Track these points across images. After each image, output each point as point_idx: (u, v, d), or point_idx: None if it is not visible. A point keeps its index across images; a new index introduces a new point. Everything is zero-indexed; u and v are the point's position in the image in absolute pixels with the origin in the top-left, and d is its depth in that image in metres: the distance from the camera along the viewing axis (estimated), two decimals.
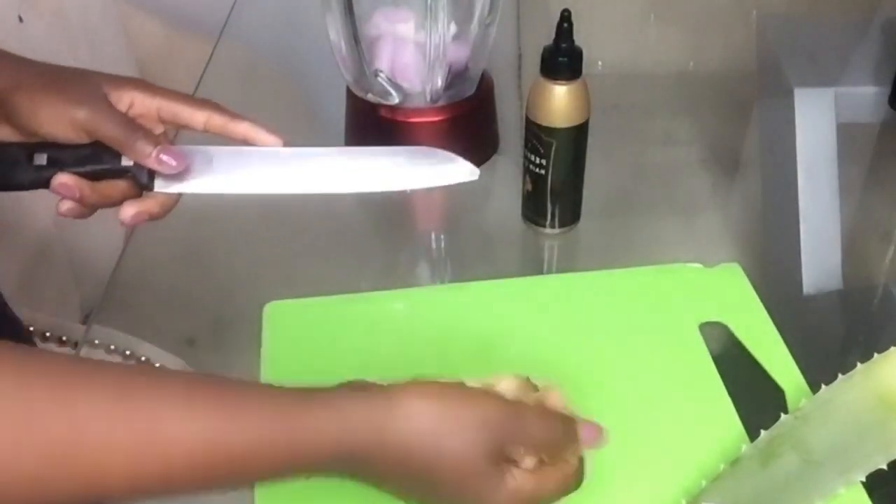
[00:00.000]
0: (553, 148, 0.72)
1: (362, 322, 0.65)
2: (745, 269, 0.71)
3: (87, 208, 0.57)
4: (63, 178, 0.55)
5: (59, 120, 0.55)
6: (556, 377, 0.60)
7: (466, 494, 0.47)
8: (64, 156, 0.56)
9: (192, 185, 0.58)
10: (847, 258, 0.79)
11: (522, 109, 0.74)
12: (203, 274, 0.77)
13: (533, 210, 0.77)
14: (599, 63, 1.02)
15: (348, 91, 0.85)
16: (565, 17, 0.69)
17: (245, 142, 0.60)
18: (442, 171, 0.63)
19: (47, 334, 0.91)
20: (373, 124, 0.83)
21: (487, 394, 0.49)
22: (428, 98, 0.81)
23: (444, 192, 0.85)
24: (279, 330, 0.65)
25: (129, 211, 0.57)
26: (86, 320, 0.95)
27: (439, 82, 0.80)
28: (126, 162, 0.57)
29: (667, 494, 0.54)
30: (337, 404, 0.45)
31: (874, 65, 1.00)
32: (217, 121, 0.60)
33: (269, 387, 0.46)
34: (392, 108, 0.82)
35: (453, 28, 0.79)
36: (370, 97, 0.82)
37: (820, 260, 0.80)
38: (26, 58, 0.58)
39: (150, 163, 0.56)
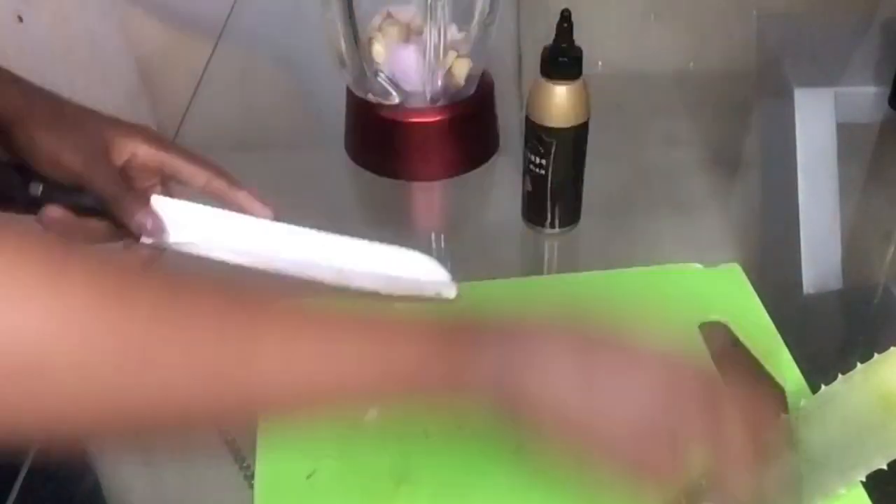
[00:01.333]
0: (553, 148, 0.72)
1: None
2: (745, 269, 0.71)
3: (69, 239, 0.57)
4: (52, 213, 0.56)
5: (54, 163, 0.56)
6: None
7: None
8: (58, 190, 0.57)
9: (177, 243, 0.59)
10: (847, 258, 0.79)
11: (522, 109, 0.74)
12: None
13: (533, 210, 0.77)
14: (599, 63, 1.02)
15: (348, 91, 0.85)
16: (565, 17, 0.69)
17: (241, 210, 0.61)
18: (422, 283, 0.63)
19: None
20: (373, 124, 0.83)
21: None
22: (428, 98, 0.81)
23: (443, 193, 0.85)
24: None
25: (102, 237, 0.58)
26: None
27: (439, 82, 0.80)
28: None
29: (667, 494, 0.54)
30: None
31: (874, 65, 1.00)
32: (216, 185, 0.60)
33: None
34: (392, 108, 0.82)
35: (453, 28, 0.79)
36: (370, 97, 0.82)
37: (820, 260, 0.79)
38: (35, 86, 0.58)
39: (131, 224, 0.57)
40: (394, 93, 0.81)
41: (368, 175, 0.85)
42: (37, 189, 0.56)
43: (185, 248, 0.59)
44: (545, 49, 0.70)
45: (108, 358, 0.35)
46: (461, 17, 0.79)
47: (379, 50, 0.81)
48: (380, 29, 0.81)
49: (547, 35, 0.70)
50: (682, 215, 0.83)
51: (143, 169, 0.59)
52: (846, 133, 0.91)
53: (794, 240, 0.80)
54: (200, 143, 0.93)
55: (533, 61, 0.72)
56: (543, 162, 0.73)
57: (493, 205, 0.87)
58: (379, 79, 0.81)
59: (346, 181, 0.88)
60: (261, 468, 0.56)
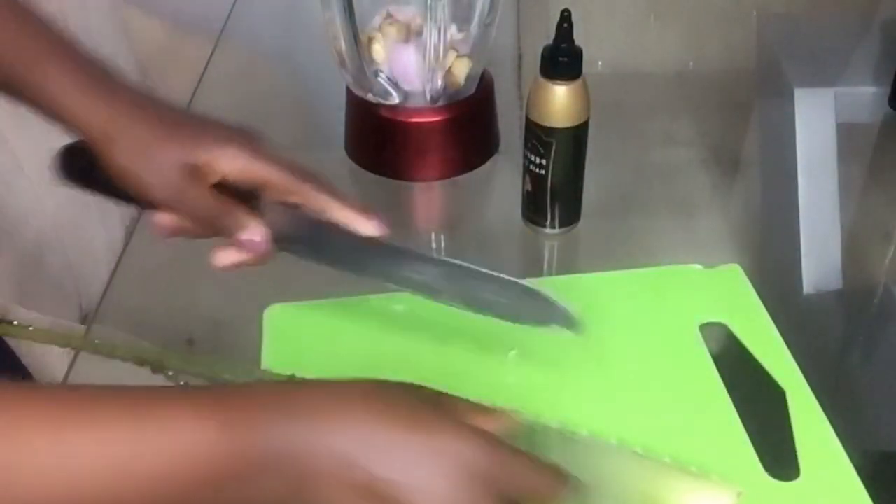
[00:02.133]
0: (553, 148, 0.72)
1: (363, 325, 0.65)
2: (745, 270, 0.71)
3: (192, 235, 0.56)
4: (161, 220, 0.55)
5: (142, 194, 0.54)
6: (556, 379, 0.60)
7: None
8: None
9: (293, 249, 0.57)
10: (847, 258, 0.79)
11: (522, 109, 0.74)
12: (203, 274, 0.77)
13: (533, 210, 0.77)
14: (599, 63, 1.02)
15: (348, 91, 0.85)
16: (565, 17, 0.69)
17: (345, 225, 0.56)
18: (542, 315, 0.58)
19: None
20: (373, 124, 0.83)
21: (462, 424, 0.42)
22: (428, 98, 0.81)
23: (443, 193, 0.85)
24: (279, 333, 0.65)
25: (224, 259, 0.56)
26: (86, 320, 0.94)
27: (439, 82, 0.80)
28: None
29: None
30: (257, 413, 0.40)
31: (874, 65, 1.00)
32: (312, 201, 0.56)
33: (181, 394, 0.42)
34: (392, 108, 0.82)
35: (453, 28, 0.79)
36: (370, 97, 0.82)
37: (820, 260, 0.79)
38: (124, 90, 0.55)
39: (235, 243, 0.55)
40: (394, 93, 0.81)
41: (368, 175, 0.85)
42: None
43: (296, 254, 0.57)
44: (545, 49, 0.70)
45: None
46: (461, 17, 0.79)
47: (379, 50, 0.81)
48: (380, 29, 0.81)
49: (547, 35, 0.70)
50: (682, 215, 0.83)
51: (241, 182, 0.55)
52: (846, 133, 0.91)
53: (794, 240, 0.80)
54: None
55: (533, 61, 0.72)
56: (543, 162, 0.73)
57: (493, 205, 0.87)
58: (379, 79, 0.81)
59: (346, 181, 0.88)
60: None
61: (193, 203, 0.54)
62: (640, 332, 0.65)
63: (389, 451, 0.40)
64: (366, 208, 0.56)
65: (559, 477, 0.43)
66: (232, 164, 0.55)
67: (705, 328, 0.65)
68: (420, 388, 0.45)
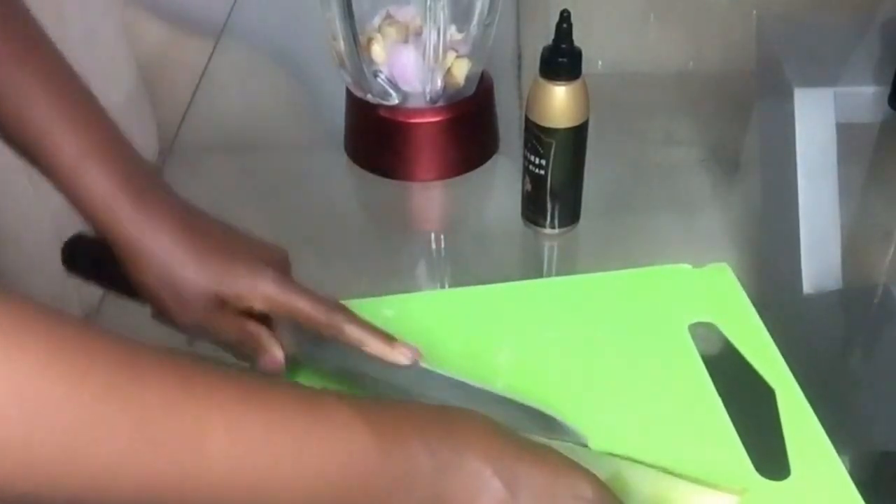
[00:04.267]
0: (553, 148, 0.72)
1: None
2: (744, 270, 0.70)
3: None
4: (275, 355, 0.55)
5: (167, 316, 0.54)
6: (545, 380, 0.60)
7: None
8: None
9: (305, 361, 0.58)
10: (847, 258, 0.79)
11: (522, 109, 0.74)
12: None
13: (533, 210, 0.77)
14: (599, 63, 1.02)
15: (348, 91, 0.85)
16: (565, 17, 0.69)
17: (380, 357, 0.56)
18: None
19: None
20: (373, 124, 0.83)
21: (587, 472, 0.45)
22: (428, 98, 0.81)
23: (443, 193, 0.85)
24: None
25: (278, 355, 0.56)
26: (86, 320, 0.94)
27: (439, 82, 0.80)
28: None
29: None
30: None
31: (874, 65, 1.00)
32: (346, 335, 0.56)
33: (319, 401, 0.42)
34: (392, 108, 0.82)
35: (453, 28, 0.79)
36: (370, 97, 0.82)
37: (820, 260, 0.79)
38: (155, 193, 0.54)
39: (257, 367, 0.55)
40: (393, 93, 0.81)
41: (368, 175, 0.85)
42: None
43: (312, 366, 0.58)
44: (545, 49, 0.70)
45: (52, 437, 0.33)
46: (461, 17, 0.79)
47: (378, 50, 0.81)
48: (379, 29, 0.81)
49: (547, 35, 0.70)
50: (682, 215, 0.83)
51: (269, 313, 0.56)
52: (846, 133, 0.91)
53: (793, 240, 0.80)
54: (200, 143, 0.93)
55: (533, 61, 0.72)
56: (543, 162, 0.73)
57: (493, 205, 0.87)
58: (378, 79, 0.81)
59: (346, 181, 0.88)
60: None
61: (217, 330, 0.55)
62: (629, 333, 0.65)
63: (518, 475, 0.43)
64: (393, 339, 0.56)
65: None
66: (262, 298, 0.55)
67: (694, 328, 0.65)
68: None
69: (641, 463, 0.54)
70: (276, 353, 0.55)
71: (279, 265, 0.57)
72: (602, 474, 0.46)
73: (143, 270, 0.53)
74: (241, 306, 0.55)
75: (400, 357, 0.56)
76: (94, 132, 0.53)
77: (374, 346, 0.56)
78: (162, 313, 0.55)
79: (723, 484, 0.53)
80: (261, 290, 0.55)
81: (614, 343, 0.64)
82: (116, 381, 0.35)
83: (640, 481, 0.52)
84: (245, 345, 0.56)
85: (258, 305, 0.55)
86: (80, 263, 0.58)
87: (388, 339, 0.56)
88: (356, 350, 0.56)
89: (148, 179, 0.54)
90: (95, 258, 0.55)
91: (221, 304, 0.54)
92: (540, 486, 0.43)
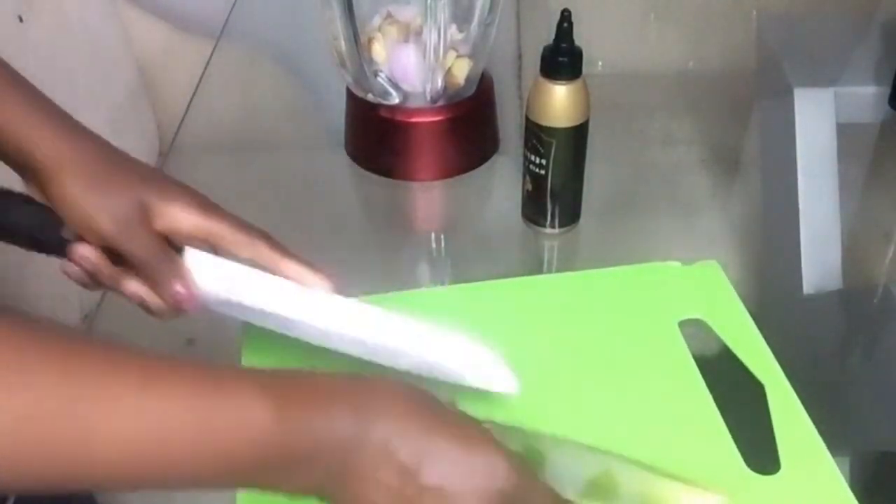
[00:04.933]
0: (553, 148, 0.72)
1: None
2: (745, 269, 0.71)
3: (94, 284, 0.56)
4: (84, 251, 0.54)
5: (87, 224, 0.53)
6: (535, 377, 0.60)
7: None
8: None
9: (214, 307, 0.56)
10: (847, 258, 0.79)
11: (522, 109, 0.74)
12: None
13: (533, 210, 0.77)
14: (599, 63, 1.02)
15: (348, 91, 0.85)
16: (565, 17, 0.69)
17: (296, 281, 0.56)
18: (484, 377, 0.57)
19: None
20: (373, 124, 0.83)
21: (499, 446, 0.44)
22: (428, 98, 0.81)
23: (443, 193, 0.85)
24: (259, 339, 0.63)
25: (132, 288, 0.55)
26: (86, 320, 0.94)
27: (439, 82, 0.80)
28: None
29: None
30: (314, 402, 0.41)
31: (874, 65, 1.00)
32: (265, 256, 0.56)
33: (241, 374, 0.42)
34: (392, 108, 0.82)
35: (453, 28, 0.79)
36: (370, 97, 0.82)
37: (820, 260, 0.79)
38: (80, 127, 0.55)
39: (164, 295, 0.54)
40: (394, 93, 0.81)
41: (368, 175, 0.85)
42: (70, 233, 0.54)
43: (219, 312, 0.56)
44: (545, 49, 0.70)
45: None
46: (461, 17, 0.79)
47: (379, 50, 0.81)
48: (380, 29, 0.81)
49: (547, 35, 0.70)
50: (682, 215, 0.83)
51: (187, 237, 0.55)
52: (846, 133, 0.91)
53: (793, 240, 0.80)
54: (200, 143, 0.93)
55: (533, 61, 0.72)
56: (543, 162, 0.73)
57: (493, 205, 0.87)
58: (379, 79, 0.81)
59: (346, 181, 0.88)
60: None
61: (139, 242, 0.54)
62: (619, 329, 0.65)
63: (425, 449, 0.42)
64: (313, 264, 0.57)
65: None
66: (186, 214, 0.55)
67: (684, 324, 0.65)
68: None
69: (631, 461, 0.54)
70: (189, 283, 0.54)
71: (201, 196, 0.57)
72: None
73: (69, 182, 0.53)
74: (163, 222, 0.55)
75: (315, 282, 0.56)
76: (6, 71, 0.54)
77: (292, 270, 0.56)
78: (85, 227, 0.54)
79: (711, 483, 0.53)
80: (184, 203, 0.55)
81: (604, 339, 0.64)
82: (10, 358, 0.36)
83: (628, 480, 0.53)
84: (158, 266, 0.54)
85: (182, 221, 0.55)
86: None
87: (309, 264, 0.56)
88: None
89: (64, 112, 0.55)
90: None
91: (144, 214, 0.54)
92: (450, 461, 0.42)
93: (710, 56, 1.10)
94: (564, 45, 0.69)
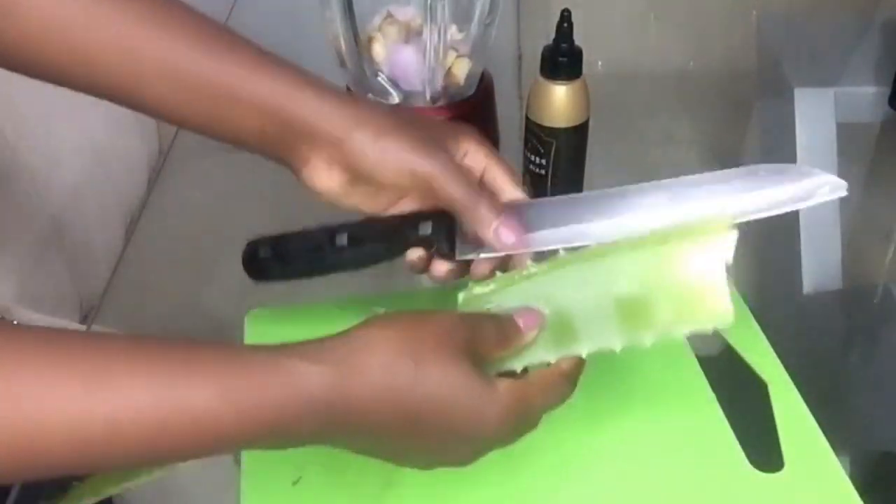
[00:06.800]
0: (553, 148, 0.72)
1: (343, 328, 0.65)
2: (744, 269, 0.70)
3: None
4: (413, 255, 0.55)
5: (401, 169, 0.51)
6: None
7: (455, 422, 0.45)
8: (363, 232, 0.55)
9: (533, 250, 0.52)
10: (847, 258, 0.79)
11: (522, 109, 0.74)
12: (203, 274, 0.77)
13: None
14: (599, 63, 1.02)
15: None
16: (565, 17, 0.69)
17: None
18: (797, 190, 0.53)
19: None
20: None
21: (436, 312, 0.47)
22: (428, 98, 0.81)
23: None
24: (260, 338, 0.64)
25: (440, 269, 0.55)
26: (85, 320, 0.95)
27: (439, 82, 0.80)
28: (425, 231, 0.53)
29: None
30: (287, 363, 0.43)
31: (874, 65, 1.00)
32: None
33: (218, 349, 0.43)
34: (392, 107, 0.82)
35: (453, 28, 0.79)
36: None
37: (820, 260, 0.79)
38: (360, 98, 0.55)
39: (487, 234, 0.51)
40: (394, 93, 0.81)
41: None
42: (343, 238, 0.55)
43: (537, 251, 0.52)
44: (545, 49, 0.70)
45: None
46: (461, 17, 0.79)
47: (379, 50, 0.81)
48: (380, 29, 0.81)
49: (547, 35, 0.70)
50: None
51: (479, 169, 0.53)
52: (846, 133, 0.91)
53: (793, 240, 0.80)
54: (200, 143, 0.93)
55: (533, 61, 0.72)
56: (543, 162, 0.73)
57: None
58: (379, 79, 0.81)
59: None
60: (246, 475, 0.56)
61: (455, 182, 0.51)
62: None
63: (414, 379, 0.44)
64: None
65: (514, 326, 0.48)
66: (472, 146, 0.53)
67: None
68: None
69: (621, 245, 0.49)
70: (511, 223, 0.51)
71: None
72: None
73: (370, 136, 0.51)
74: (460, 152, 0.53)
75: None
76: (250, 48, 0.54)
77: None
78: (397, 176, 0.51)
79: (711, 483, 0.53)
80: (471, 137, 0.53)
81: None
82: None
83: (620, 269, 0.49)
84: (479, 200, 0.51)
85: (477, 159, 0.53)
86: (260, 262, 0.59)
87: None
88: None
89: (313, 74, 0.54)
90: (277, 253, 0.58)
91: (441, 148, 0.52)
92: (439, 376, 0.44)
93: (710, 56, 1.10)
94: (564, 45, 0.69)
